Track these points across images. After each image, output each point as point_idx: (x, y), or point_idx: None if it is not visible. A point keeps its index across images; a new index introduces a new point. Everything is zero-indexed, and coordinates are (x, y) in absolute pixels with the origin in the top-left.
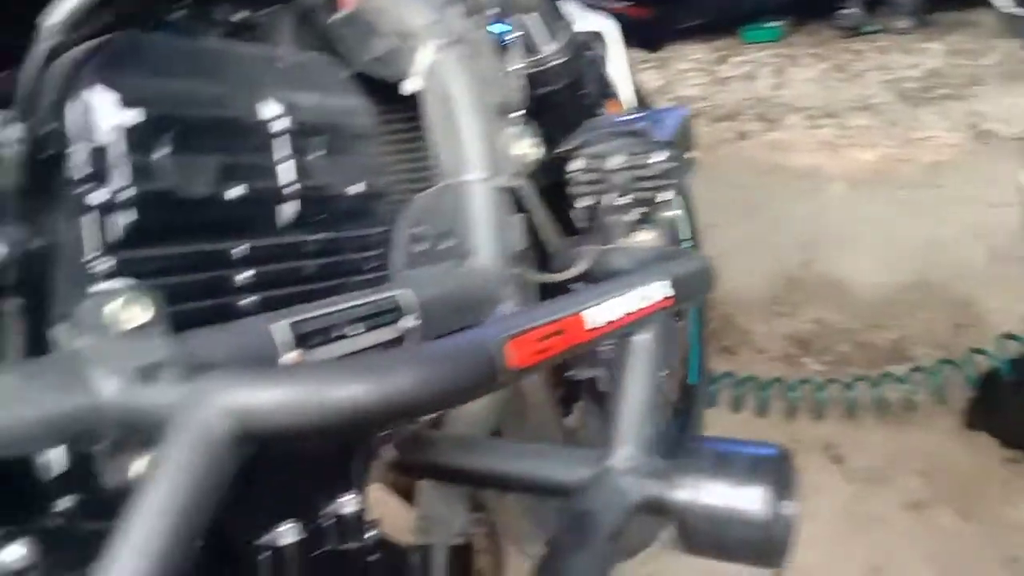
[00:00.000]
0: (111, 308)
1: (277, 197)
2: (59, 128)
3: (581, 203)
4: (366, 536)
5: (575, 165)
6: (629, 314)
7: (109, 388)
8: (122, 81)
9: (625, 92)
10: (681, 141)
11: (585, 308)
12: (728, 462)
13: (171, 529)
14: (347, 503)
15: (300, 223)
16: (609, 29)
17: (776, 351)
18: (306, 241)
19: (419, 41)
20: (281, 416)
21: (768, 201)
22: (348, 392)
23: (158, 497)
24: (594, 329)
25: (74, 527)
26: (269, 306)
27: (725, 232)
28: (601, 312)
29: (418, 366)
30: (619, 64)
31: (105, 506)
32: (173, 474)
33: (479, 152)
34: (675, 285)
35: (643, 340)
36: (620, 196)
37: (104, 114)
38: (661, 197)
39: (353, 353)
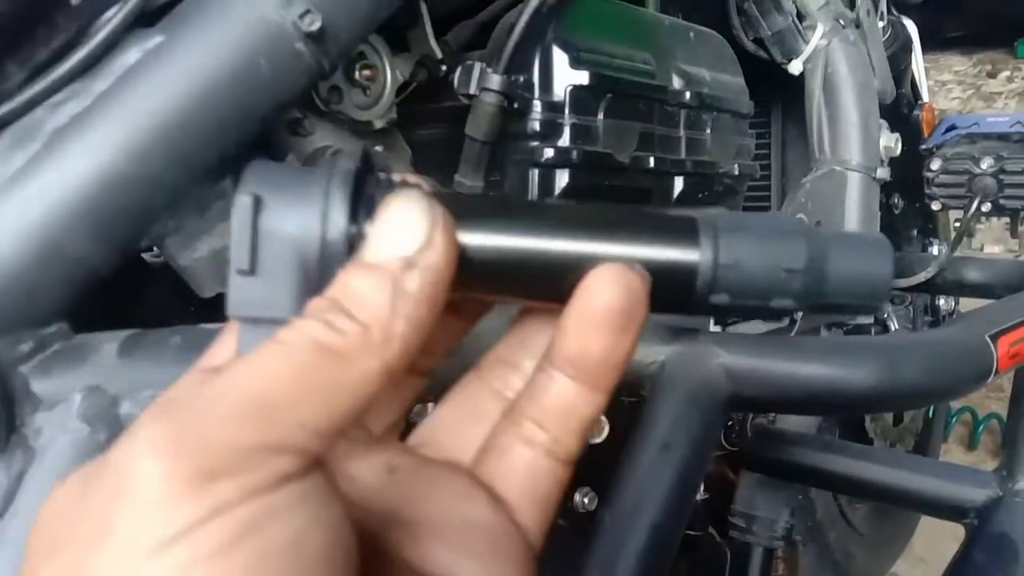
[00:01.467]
0: None
1: (675, 170)
2: (525, 81)
3: (934, 205)
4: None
5: (935, 165)
6: None
7: None
8: (573, 42)
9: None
10: None
11: None
12: None
13: (674, 484)
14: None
15: (683, 198)
16: (913, 30)
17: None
18: None
19: (814, 21)
20: (773, 385)
21: None
22: (848, 374)
23: (655, 449)
24: None
25: None
26: None
27: None
28: None
29: (923, 358)
30: (920, 68)
31: None
32: (668, 426)
33: (863, 140)
34: None
35: None
36: (982, 203)
37: (560, 73)
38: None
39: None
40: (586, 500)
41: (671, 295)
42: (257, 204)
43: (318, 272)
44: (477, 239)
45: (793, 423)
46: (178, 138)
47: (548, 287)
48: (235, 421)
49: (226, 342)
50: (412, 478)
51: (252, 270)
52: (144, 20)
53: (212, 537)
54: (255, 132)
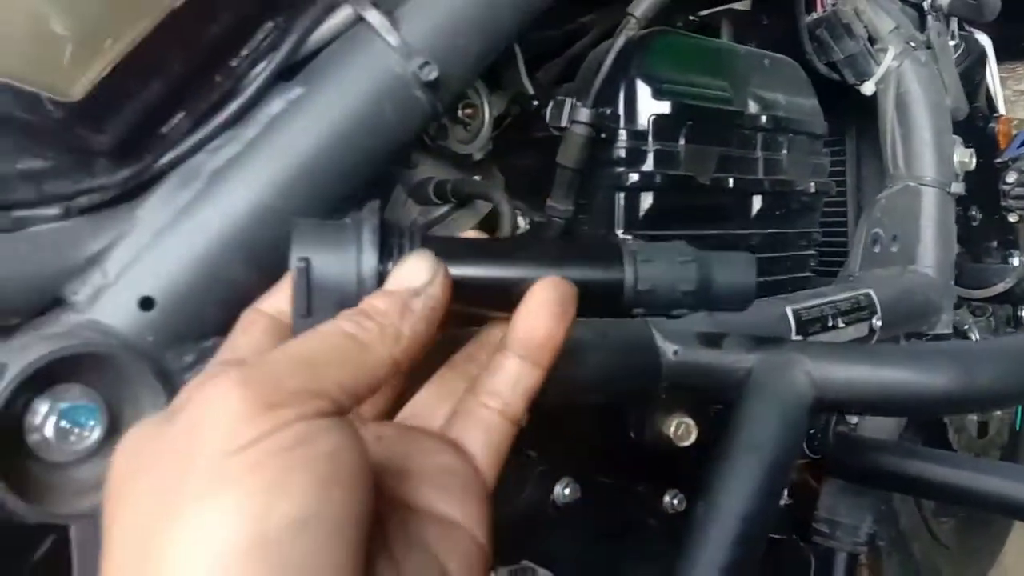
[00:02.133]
0: None
1: (753, 189)
2: (611, 113)
3: (1011, 217)
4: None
5: (1011, 178)
6: None
7: (675, 348)
8: (655, 75)
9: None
10: None
11: None
12: None
13: (763, 482)
14: None
15: (762, 216)
16: (987, 44)
17: None
18: (767, 235)
19: (885, 44)
20: (858, 391)
21: None
22: (925, 378)
23: (745, 449)
24: None
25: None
26: None
27: None
28: None
29: (998, 363)
30: (995, 81)
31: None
32: (757, 428)
33: (937, 157)
34: None
35: None
36: None
37: (643, 104)
38: None
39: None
40: (675, 502)
41: (605, 308)
42: (308, 266)
43: (357, 301)
44: (464, 271)
45: (874, 431)
46: (317, 176)
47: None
48: (290, 372)
49: (236, 337)
50: (396, 440)
51: (309, 314)
52: (286, 75)
53: (276, 443)
54: (380, 169)
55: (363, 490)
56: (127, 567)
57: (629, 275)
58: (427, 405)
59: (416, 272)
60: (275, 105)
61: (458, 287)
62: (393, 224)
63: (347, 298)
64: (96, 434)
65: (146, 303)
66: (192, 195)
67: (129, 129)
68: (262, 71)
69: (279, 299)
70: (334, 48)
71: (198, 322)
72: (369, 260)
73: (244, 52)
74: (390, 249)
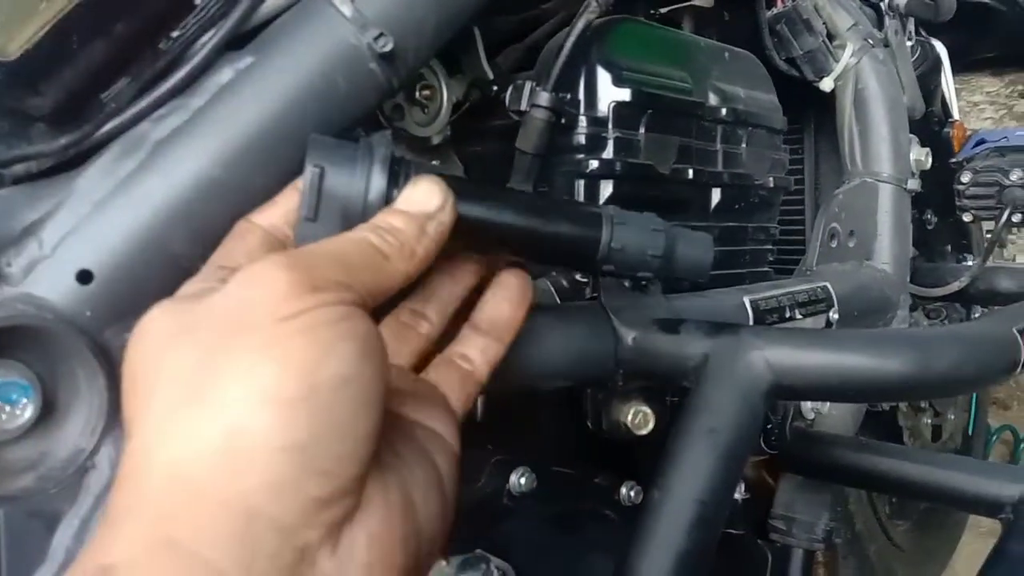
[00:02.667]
0: None
1: (713, 182)
2: (571, 98)
3: (966, 216)
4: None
5: (965, 177)
6: None
7: (633, 335)
8: (616, 61)
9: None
10: None
11: None
12: None
13: (720, 466)
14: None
15: (721, 209)
16: (942, 51)
17: None
18: (726, 228)
19: (844, 41)
20: (811, 374)
21: None
22: (882, 363)
23: (701, 433)
24: None
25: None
26: (695, 288)
27: None
28: None
29: (955, 348)
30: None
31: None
32: (713, 412)
33: (894, 153)
34: None
35: None
36: (1012, 213)
37: (604, 90)
38: None
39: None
40: (632, 494)
41: (580, 261)
42: (322, 172)
43: (361, 220)
44: (464, 209)
45: (830, 428)
46: (265, 148)
47: (504, 245)
48: (328, 265)
49: (230, 244)
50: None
51: (314, 218)
52: (235, 43)
53: (322, 315)
54: None
55: (386, 370)
56: (177, 410)
57: (605, 234)
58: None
59: (428, 196)
60: (224, 74)
61: (459, 222)
62: (401, 155)
63: (352, 211)
64: (28, 413)
65: (84, 276)
66: (135, 165)
67: (68, 93)
68: (210, 39)
69: (273, 213)
70: (286, 18)
71: (138, 297)
72: (378, 181)
73: (192, 18)
74: (396, 176)
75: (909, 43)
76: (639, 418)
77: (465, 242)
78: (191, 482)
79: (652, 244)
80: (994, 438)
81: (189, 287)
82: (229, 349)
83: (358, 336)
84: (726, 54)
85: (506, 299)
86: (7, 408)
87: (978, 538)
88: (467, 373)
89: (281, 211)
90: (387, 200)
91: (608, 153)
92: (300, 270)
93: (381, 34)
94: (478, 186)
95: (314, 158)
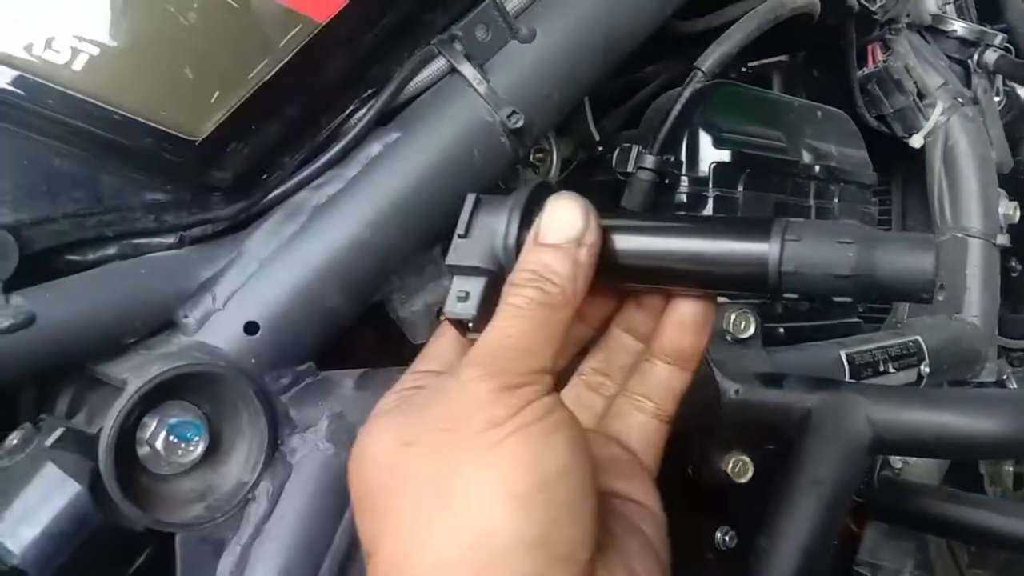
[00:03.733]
0: (729, 320)
1: None
2: (674, 160)
3: None
4: None
5: None
6: None
7: (736, 387)
8: (716, 124)
9: None
10: None
11: None
12: None
13: (823, 516)
14: None
15: None
16: None
17: None
18: None
19: (934, 100)
20: (912, 431)
21: None
22: (980, 422)
23: (806, 485)
24: None
25: None
26: (790, 338)
27: None
28: None
29: None
30: None
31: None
32: (818, 465)
33: (983, 209)
34: None
35: None
36: None
37: (705, 152)
38: None
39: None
40: (727, 539)
41: (754, 289)
42: (478, 201)
43: (502, 250)
44: (613, 238)
45: (916, 477)
46: (409, 213)
47: (657, 279)
48: (515, 357)
49: (432, 350)
50: None
51: (467, 235)
52: (384, 120)
53: (530, 414)
54: None
55: (590, 453)
56: (426, 517)
57: (774, 252)
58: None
59: (570, 217)
60: (374, 147)
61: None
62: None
63: (497, 244)
64: (199, 449)
65: (251, 327)
66: (296, 228)
67: (245, 167)
68: (364, 116)
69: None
70: (428, 96)
71: (296, 346)
72: (520, 198)
73: (349, 98)
74: (537, 194)
75: (996, 98)
76: (739, 467)
77: (613, 277)
78: None
79: (838, 261)
80: None
81: (393, 396)
82: (460, 456)
83: (565, 424)
84: (819, 113)
85: (688, 324)
86: (182, 445)
87: None
88: (650, 416)
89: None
90: (520, 240)
91: (708, 211)
92: (495, 376)
93: (514, 112)
94: (623, 214)
95: (471, 198)
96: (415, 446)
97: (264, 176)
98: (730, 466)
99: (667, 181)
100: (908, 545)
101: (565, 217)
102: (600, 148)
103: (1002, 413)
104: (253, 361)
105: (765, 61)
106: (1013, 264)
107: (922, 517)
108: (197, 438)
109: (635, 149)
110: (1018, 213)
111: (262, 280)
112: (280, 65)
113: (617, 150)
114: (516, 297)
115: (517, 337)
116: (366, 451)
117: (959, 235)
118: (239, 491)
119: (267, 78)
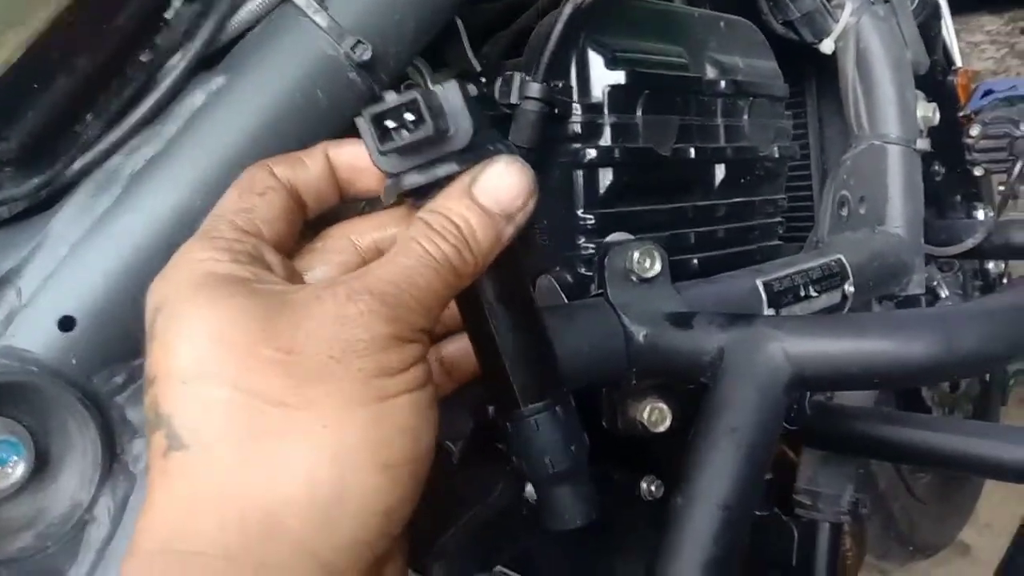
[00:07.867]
0: (632, 259)
1: (715, 158)
2: (563, 86)
3: (976, 171)
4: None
5: (975, 131)
6: None
7: (644, 332)
8: (607, 43)
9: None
10: None
11: None
12: None
13: (743, 466)
14: None
15: (726, 185)
16: None
17: None
18: (733, 204)
19: (841, 1)
20: (833, 364)
21: None
22: (906, 347)
23: (722, 433)
24: None
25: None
26: (705, 268)
27: None
28: None
29: (980, 326)
30: (951, 33)
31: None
32: (734, 410)
33: (900, 113)
34: None
35: None
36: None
37: (597, 75)
38: None
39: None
40: (652, 488)
41: None
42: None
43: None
44: None
45: (850, 398)
46: None
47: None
48: (416, 309)
49: (250, 197)
50: None
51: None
52: (205, 64)
53: (415, 374)
54: None
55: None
56: (259, 441)
57: None
58: None
59: (517, 191)
60: (196, 97)
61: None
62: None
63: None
64: (20, 470)
65: (66, 323)
66: (110, 201)
67: (35, 133)
68: (179, 61)
69: (296, 170)
70: (257, 33)
71: (125, 339)
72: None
73: (157, 41)
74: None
75: None
76: (655, 415)
77: None
78: (288, 532)
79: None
80: (1012, 382)
81: (223, 262)
82: (341, 393)
83: (433, 399)
84: (721, 23)
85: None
86: None
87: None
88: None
89: (306, 167)
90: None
91: (606, 140)
92: (394, 323)
93: (359, 42)
94: None
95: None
96: (293, 356)
97: (65, 143)
98: (645, 415)
99: (557, 111)
100: (848, 470)
101: (509, 184)
102: (483, 80)
103: (930, 334)
104: (74, 362)
105: None
106: (936, 168)
107: (858, 441)
108: (16, 458)
109: (518, 77)
110: (937, 115)
111: (74, 266)
112: (60, 8)
113: (499, 80)
114: (432, 244)
115: (424, 289)
116: (200, 305)
117: (877, 143)
118: (74, 512)
119: (45, 24)
